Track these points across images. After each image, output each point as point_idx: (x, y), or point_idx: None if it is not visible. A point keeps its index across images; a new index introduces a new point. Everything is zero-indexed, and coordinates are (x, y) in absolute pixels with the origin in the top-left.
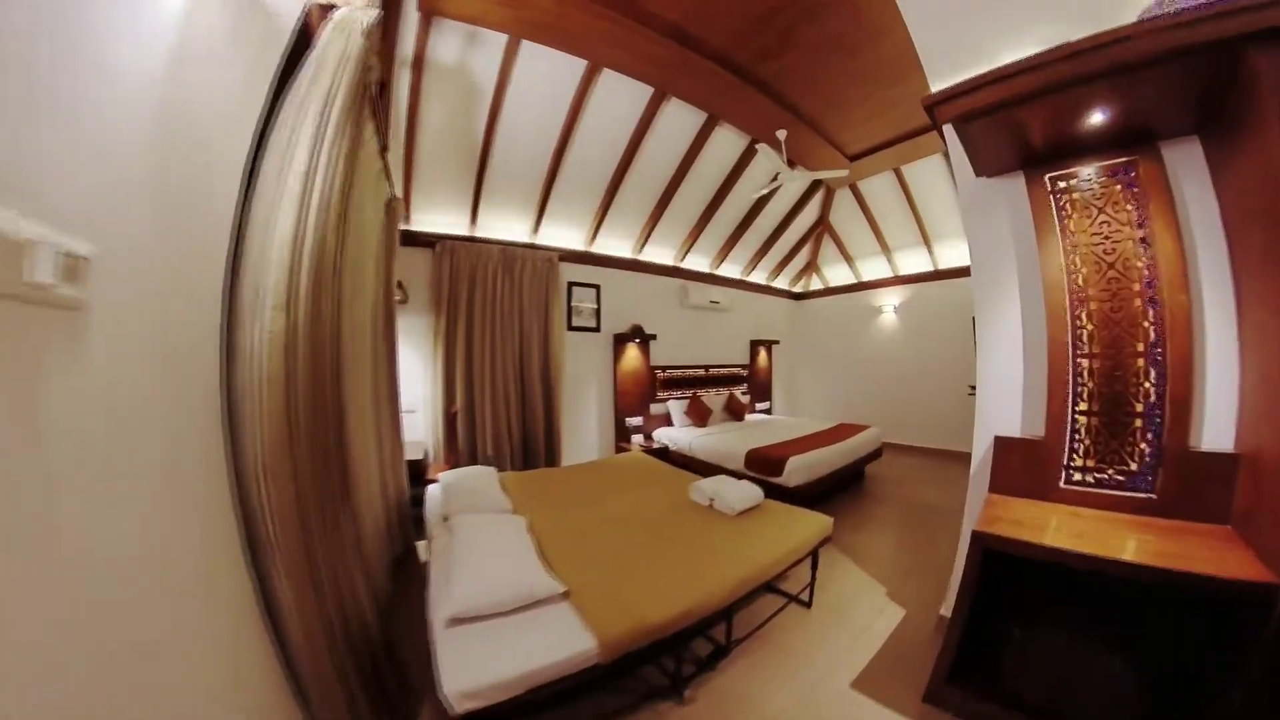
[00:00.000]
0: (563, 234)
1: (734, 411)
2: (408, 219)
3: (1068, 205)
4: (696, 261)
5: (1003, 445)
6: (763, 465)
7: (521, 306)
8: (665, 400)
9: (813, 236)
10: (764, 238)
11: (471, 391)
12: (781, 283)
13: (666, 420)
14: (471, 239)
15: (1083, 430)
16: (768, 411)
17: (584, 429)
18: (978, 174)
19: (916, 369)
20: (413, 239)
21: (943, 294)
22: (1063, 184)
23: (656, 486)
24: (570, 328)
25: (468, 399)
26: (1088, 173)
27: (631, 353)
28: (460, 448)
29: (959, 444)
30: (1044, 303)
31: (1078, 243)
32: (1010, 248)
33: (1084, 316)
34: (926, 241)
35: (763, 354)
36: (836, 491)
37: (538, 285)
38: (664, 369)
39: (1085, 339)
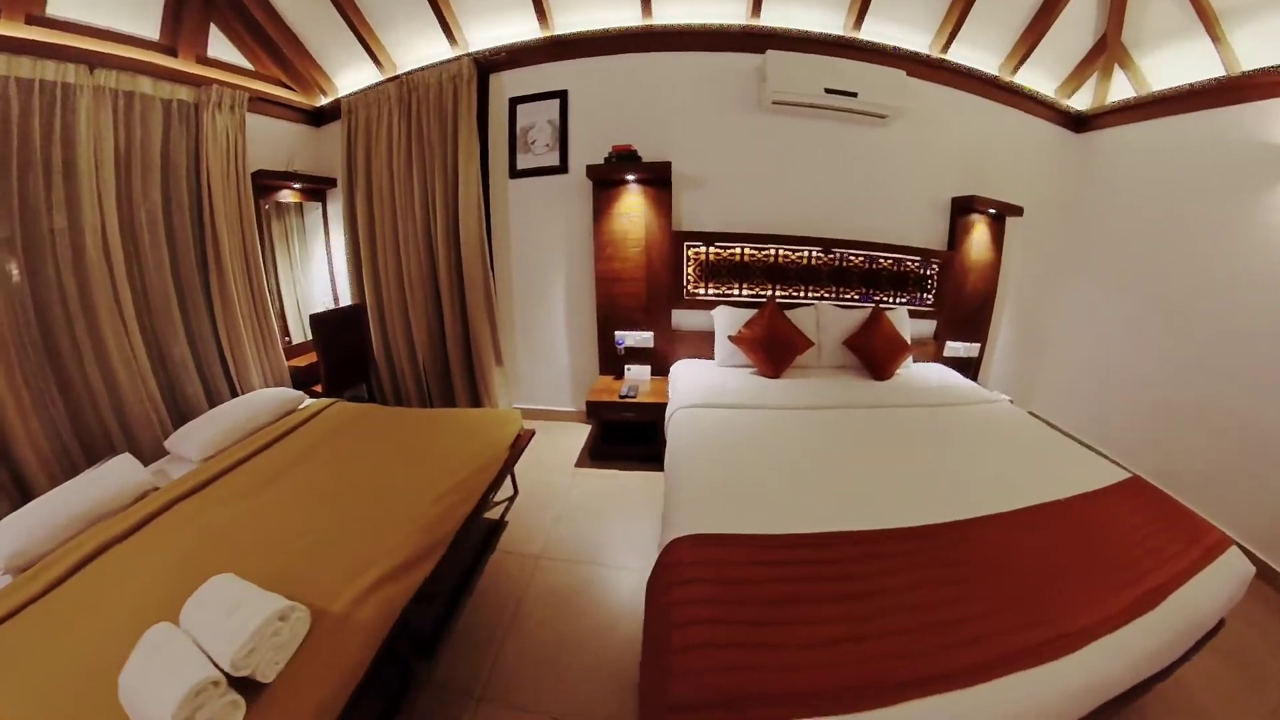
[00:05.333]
0: (498, 29)
1: (871, 356)
2: (323, 91)
3: None
4: (796, 14)
5: None
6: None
7: (424, 156)
8: (713, 301)
9: None
10: None
11: (380, 291)
12: (1038, 80)
13: (707, 343)
14: (374, 87)
15: None
16: (969, 373)
17: (547, 346)
18: None
19: None
20: (332, 115)
21: None
22: None
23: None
24: (516, 173)
25: (376, 300)
26: None
27: (630, 205)
28: (379, 365)
29: None
30: None
31: None
32: None
33: None
34: None
35: (979, 232)
36: None
37: (441, 117)
38: (710, 240)
39: None
